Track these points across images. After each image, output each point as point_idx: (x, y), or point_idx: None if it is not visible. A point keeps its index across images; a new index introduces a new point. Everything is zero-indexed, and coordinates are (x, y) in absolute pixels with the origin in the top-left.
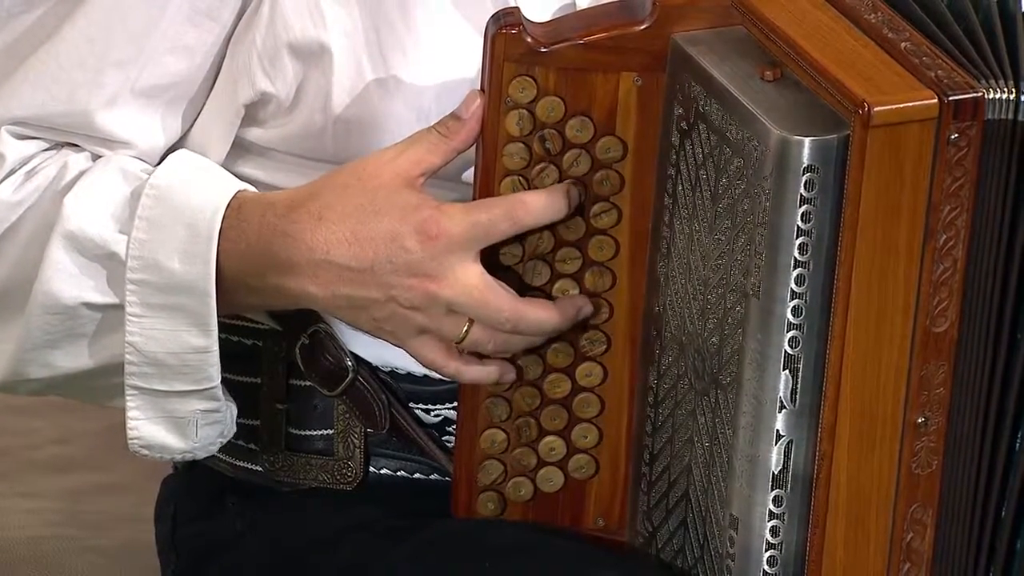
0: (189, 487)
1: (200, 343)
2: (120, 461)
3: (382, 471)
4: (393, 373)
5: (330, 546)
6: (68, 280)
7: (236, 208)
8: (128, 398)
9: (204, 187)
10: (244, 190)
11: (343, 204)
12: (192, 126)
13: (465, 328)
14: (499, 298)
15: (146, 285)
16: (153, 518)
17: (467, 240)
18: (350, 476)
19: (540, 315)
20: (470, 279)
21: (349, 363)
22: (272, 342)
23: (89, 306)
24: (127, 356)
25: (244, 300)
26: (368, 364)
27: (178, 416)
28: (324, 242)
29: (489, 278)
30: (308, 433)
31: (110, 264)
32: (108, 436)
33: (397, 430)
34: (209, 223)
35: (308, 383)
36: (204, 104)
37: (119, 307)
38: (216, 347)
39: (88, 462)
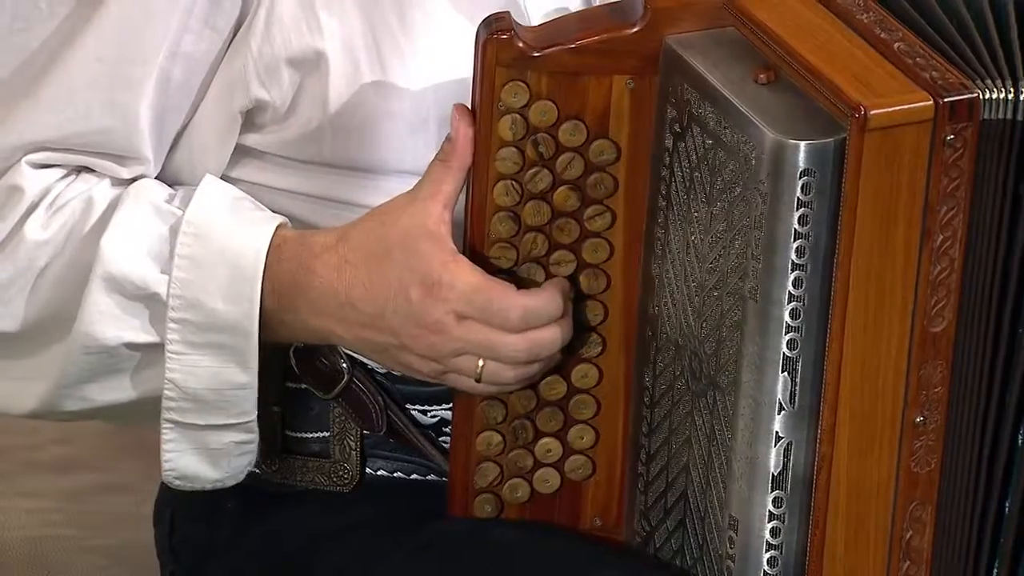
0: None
1: (242, 379)
2: (120, 461)
3: (379, 472)
4: (389, 375)
5: (327, 547)
6: (110, 321)
7: (276, 247)
8: (164, 431)
9: (244, 225)
10: (283, 226)
11: (364, 249)
12: (186, 135)
13: (480, 367)
14: (508, 337)
15: (188, 324)
16: (152, 519)
17: (467, 307)
18: (347, 478)
19: (553, 332)
20: (472, 330)
21: (344, 365)
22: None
23: (130, 346)
24: (166, 391)
25: (278, 335)
26: (364, 366)
27: (212, 448)
28: (346, 285)
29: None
30: (304, 435)
31: (152, 304)
32: (109, 436)
33: (393, 431)
34: (253, 264)
35: (303, 386)
36: (194, 114)
37: (159, 345)
38: (256, 383)
39: (89, 462)
